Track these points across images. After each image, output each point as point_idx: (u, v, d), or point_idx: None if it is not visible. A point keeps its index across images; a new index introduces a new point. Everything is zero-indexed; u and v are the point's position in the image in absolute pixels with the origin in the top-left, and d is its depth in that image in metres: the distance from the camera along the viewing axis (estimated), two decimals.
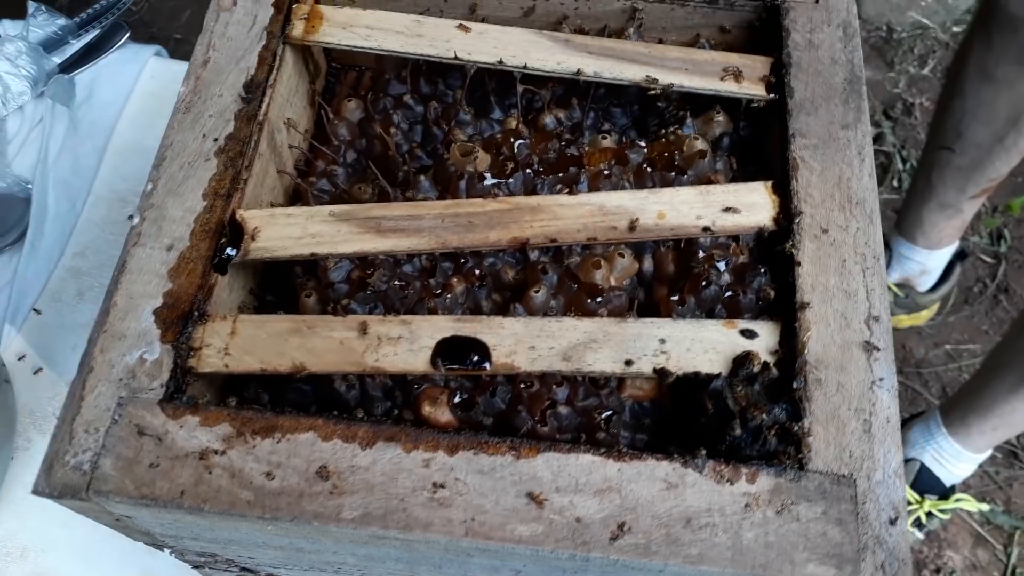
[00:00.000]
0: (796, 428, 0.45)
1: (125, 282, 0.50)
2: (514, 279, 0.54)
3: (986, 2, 1.13)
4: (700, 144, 0.57)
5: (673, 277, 0.54)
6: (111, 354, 0.48)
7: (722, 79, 0.58)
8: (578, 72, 0.58)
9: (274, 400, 0.52)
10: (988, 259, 1.67)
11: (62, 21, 1.01)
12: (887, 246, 1.49)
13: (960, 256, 1.53)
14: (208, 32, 0.59)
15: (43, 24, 1.00)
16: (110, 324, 0.49)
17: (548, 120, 0.62)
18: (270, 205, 0.59)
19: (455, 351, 0.49)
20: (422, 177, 0.55)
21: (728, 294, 0.52)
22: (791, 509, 0.44)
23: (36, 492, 0.45)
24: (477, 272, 0.53)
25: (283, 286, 0.58)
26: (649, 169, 0.56)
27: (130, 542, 0.54)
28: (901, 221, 1.45)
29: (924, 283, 1.51)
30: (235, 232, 0.52)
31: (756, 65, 0.59)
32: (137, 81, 1.01)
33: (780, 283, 0.52)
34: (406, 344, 0.49)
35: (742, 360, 0.48)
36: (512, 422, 0.48)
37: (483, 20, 0.64)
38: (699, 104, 0.61)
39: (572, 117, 0.63)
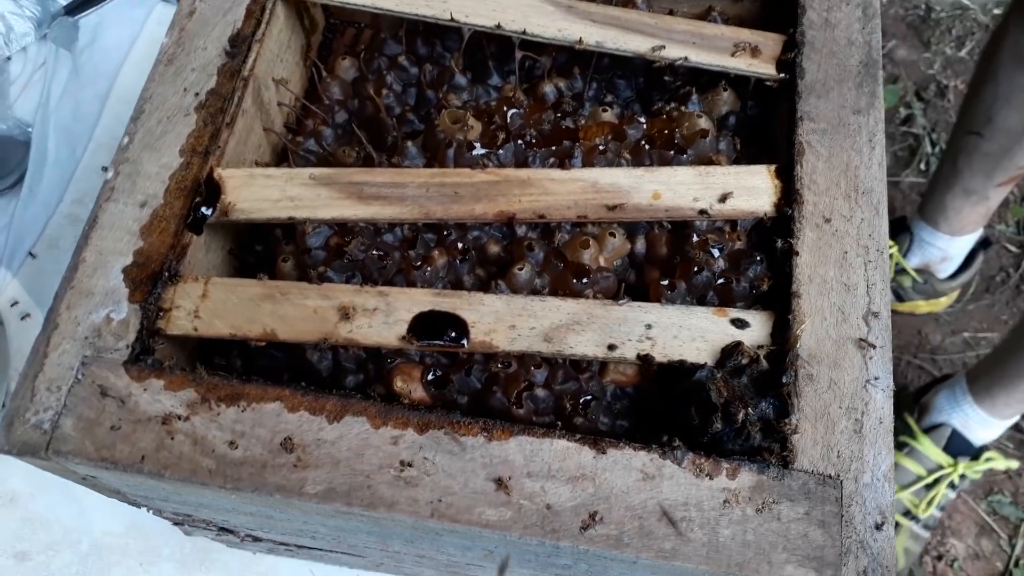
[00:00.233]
0: (782, 424, 0.43)
1: (95, 238, 0.49)
2: (499, 254, 0.52)
3: None
4: (703, 123, 0.55)
5: (665, 260, 0.52)
6: (77, 311, 0.47)
7: (733, 55, 0.56)
8: (579, 41, 0.55)
9: (246, 364, 0.51)
10: (1013, 248, 1.63)
11: None
12: (909, 229, 1.45)
13: (983, 244, 1.50)
14: None
15: None
16: (78, 280, 0.48)
17: (547, 89, 0.59)
18: (255, 164, 0.57)
19: (432, 326, 0.47)
20: (409, 143, 0.53)
21: (721, 281, 0.49)
22: (772, 508, 0.42)
23: None
24: (460, 246, 0.51)
25: (264, 248, 0.56)
26: (647, 146, 0.54)
27: None
28: (924, 205, 1.41)
29: (944, 269, 1.47)
30: (211, 191, 0.50)
31: (767, 42, 0.56)
32: (143, 27, 0.99)
33: (777, 272, 0.49)
34: (381, 316, 0.47)
35: (731, 351, 0.46)
36: (487, 402, 0.47)
37: None
38: (706, 80, 0.58)
39: (573, 87, 0.60)
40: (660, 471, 0.43)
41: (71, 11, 0.96)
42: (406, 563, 0.60)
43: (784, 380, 0.45)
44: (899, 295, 1.50)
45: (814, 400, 0.44)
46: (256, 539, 0.61)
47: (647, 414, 0.49)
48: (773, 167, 0.52)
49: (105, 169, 0.50)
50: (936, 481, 1.28)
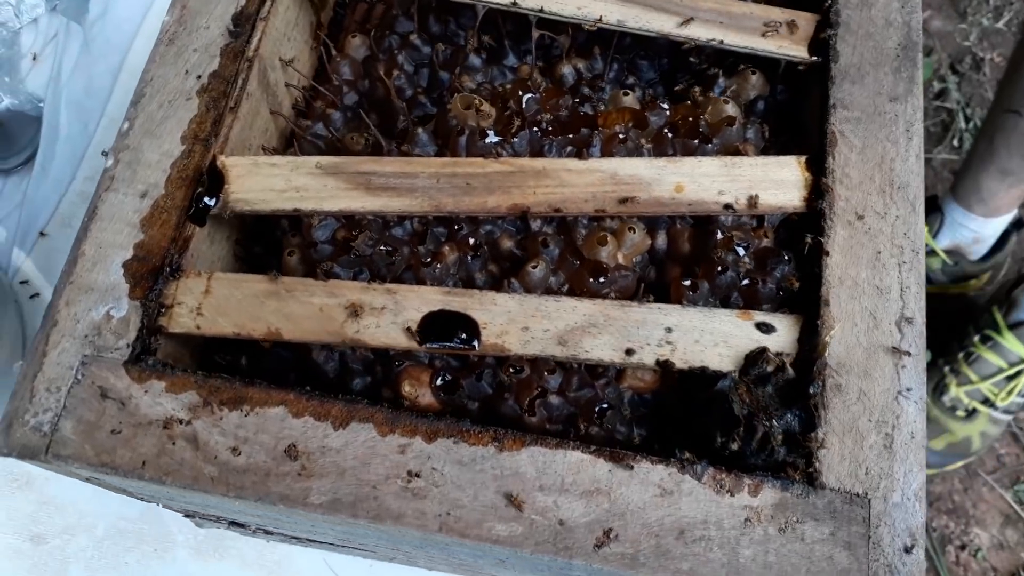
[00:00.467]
0: (808, 439, 0.41)
1: (95, 230, 0.47)
2: (512, 250, 0.49)
3: None
4: (730, 109, 0.52)
5: (688, 257, 0.49)
6: (76, 308, 0.45)
7: (764, 35, 0.52)
8: (600, 19, 0.52)
9: (251, 362, 0.49)
10: None
11: None
12: (940, 209, 1.41)
13: (1017, 225, 1.45)
14: None
15: None
16: (77, 275, 0.46)
17: (566, 70, 0.56)
18: (261, 148, 0.55)
19: (442, 327, 0.45)
20: (420, 130, 0.51)
21: (746, 282, 0.47)
22: (795, 528, 0.40)
23: None
24: (472, 241, 0.48)
25: (272, 237, 0.54)
26: (670, 135, 0.51)
27: None
28: (957, 185, 1.36)
29: (976, 252, 1.43)
30: (214, 180, 0.48)
31: (800, 22, 0.53)
32: None
33: (806, 273, 0.47)
34: (390, 316, 0.45)
35: (755, 358, 0.43)
36: (498, 409, 0.45)
37: None
38: (733, 62, 0.55)
39: (593, 68, 0.57)
40: (679, 486, 0.41)
41: None
42: (419, 559, 0.59)
43: (811, 391, 0.42)
44: (928, 278, 1.46)
45: (842, 412, 0.42)
46: (267, 532, 0.60)
47: (666, 420, 0.47)
48: (803, 159, 0.49)
49: (105, 154, 0.48)
50: (1017, 374, 1.27)
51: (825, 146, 0.48)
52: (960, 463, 1.33)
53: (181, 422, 0.43)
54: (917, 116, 0.49)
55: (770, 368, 0.43)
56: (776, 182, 0.48)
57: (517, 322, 0.45)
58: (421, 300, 0.46)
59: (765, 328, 0.45)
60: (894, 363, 0.43)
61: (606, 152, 0.50)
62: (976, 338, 1.31)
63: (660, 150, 0.51)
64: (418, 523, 0.40)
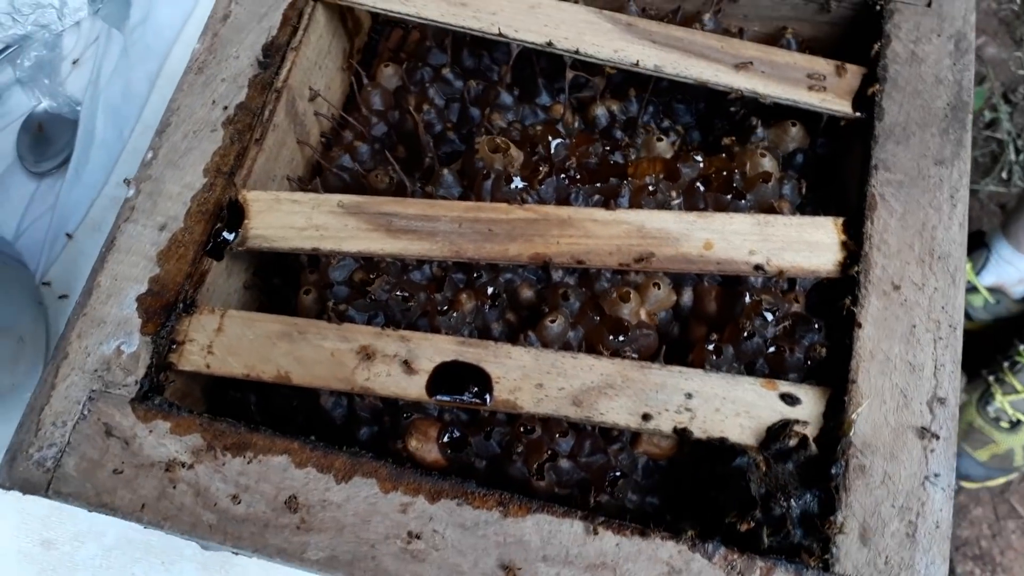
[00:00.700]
0: (827, 523, 0.39)
1: (112, 261, 0.47)
2: (531, 299, 0.48)
3: None
4: (767, 163, 0.50)
5: (714, 317, 0.48)
6: (88, 341, 0.45)
7: (810, 88, 0.50)
8: (636, 64, 0.51)
9: (261, 400, 0.49)
10: None
11: None
12: (986, 245, 1.36)
13: None
14: None
15: None
16: (91, 307, 0.46)
17: (599, 112, 0.55)
18: (286, 179, 0.54)
19: (453, 379, 0.44)
20: (445, 171, 0.50)
21: (773, 349, 0.45)
22: None
23: None
24: (490, 290, 0.47)
25: (291, 269, 0.53)
26: (702, 188, 0.49)
27: None
28: (1008, 222, 1.32)
29: (1019, 291, 1.38)
30: (234, 215, 0.48)
31: (845, 74, 0.50)
32: (197, 4, 0.96)
33: (836, 342, 0.45)
34: (401, 364, 0.44)
35: (777, 432, 0.42)
36: (506, 470, 0.43)
37: None
38: (774, 110, 0.53)
39: (628, 110, 0.55)
40: (688, 565, 0.39)
41: None
42: None
43: (833, 471, 0.40)
44: (968, 315, 1.42)
45: (864, 496, 0.40)
46: None
47: (679, 487, 0.45)
48: (840, 220, 0.47)
49: (127, 182, 0.47)
50: None
51: (864, 209, 0.46)
52: (1002, 479, 1.30)
53: (183, 465, 0.42)
54: (963, 182, 0.47)
55: (792, 443, 0.41)
56: (810, 244, 0.46)
57: (531, 378, 0.44)
58: (435, 349, 0.45)
59: (790, 400, 0.43)
60: (923, 446, 0.41)
61: (634, 203, 0.49)
62: (1022, 347, 1.28)
63: (691, 203, 0.49)
64: None
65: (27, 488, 0.42)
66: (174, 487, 0.42)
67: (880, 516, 0.40)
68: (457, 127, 0.56)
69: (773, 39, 0.55)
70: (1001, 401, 1.26)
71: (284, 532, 0.41)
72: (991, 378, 1.29)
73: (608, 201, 0.49)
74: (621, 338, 0.45)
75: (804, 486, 0.41)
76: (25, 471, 0.42)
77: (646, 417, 0.43)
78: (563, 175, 0.49)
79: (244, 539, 0.41)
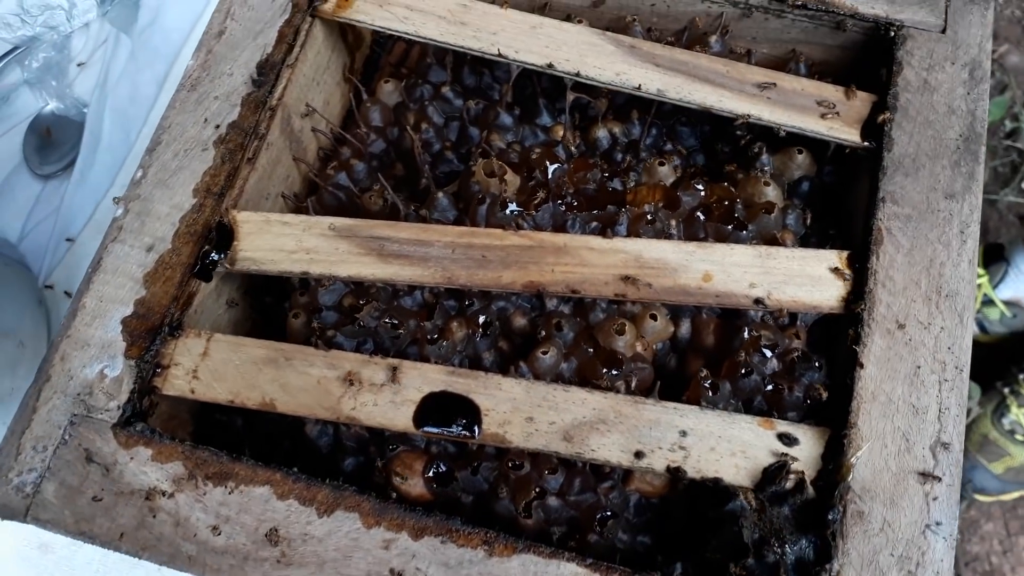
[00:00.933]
0: (822, 570, 0.38)
1: (97, 282, 0.46)
2: (524, 327, 0.47)
3: None
4: (770, 192, 0.49)
5: (712, 350, 0.46)
6: (71, 363, 0.44)
7: (823, 116, 0.49)
8: (638, 88, 0.49)
9: (247, 424, 0.48)
10: None
11: None
12: (1005, 259, 1.34)
13: None
14: None
15: None
16: (75, 329, 0.45)
17: (600, 134, 0.53)
18: (281, 197, 0.53)
19: (442, 410, 0.42)
20: (440, 194, 0.49)
21: (771, 387, 0.44)
22: None
23: None
24: (482, 319, 0.46)
25: (282, 288, 0.52)
26: (703, 217, 0.48)
27: None
28: None
29: None
30: (223, 236, 0.47)
31: (854, 102, 0.49)
32: (205, 8, 0.96)
33: (837, 382, 0.43)
34: (388, 394, 0.43)
35: (774, 474, 0.40)
36: (492, 506, 0.42)
37: (546, 6, 0.56)
38: (779, 136, 0.52)
39: (630, 133, 0.54)
40: None
41: None
42: None
43: (830, 517, 0.39)
44: (984, 327, 1.40)
45: (862, 544, 0.39)
46: None
47: (670, 526, 0.44)
48: (845, 254, 0.45)
49: (117, 201, 0.46)
50: None
51: (870, 243, 0.44)
52: (1016, 493, 1.28)
53: (164, 494, 0.41)
54: (974, 217, 0.45)
55: (789, 486, 0.40)
56: (812, 278, 0.45)
57: (522, 411, 0.42)
58: (423, 379, 0.43)
59: (787, 440, 0.41)
60: (924, 492, 0.40)
61: (633, 232, 0.47)
62: None
63: (691, 233, 0.48)
64: None
65: (5, 514, 0.41)
66: (154, 516, 0.41)
67: (878, 565, 0.39)
68: (456, 147, 0.55)
69: (782, 62, 0.54)
70: (1016, 413, 1.25)
71: (264, 565, 0.40)
72: (1006, 390, 1.27)
73: (605, 228, 0.47)
74: (615, 372, 0.44)
75: (799, 532, 0.39)
76: (4, 496, 0.42)
77: (639, 455, 0.41)
78: (560, 201, 0.48)
79: (223, 572, 0.40)
